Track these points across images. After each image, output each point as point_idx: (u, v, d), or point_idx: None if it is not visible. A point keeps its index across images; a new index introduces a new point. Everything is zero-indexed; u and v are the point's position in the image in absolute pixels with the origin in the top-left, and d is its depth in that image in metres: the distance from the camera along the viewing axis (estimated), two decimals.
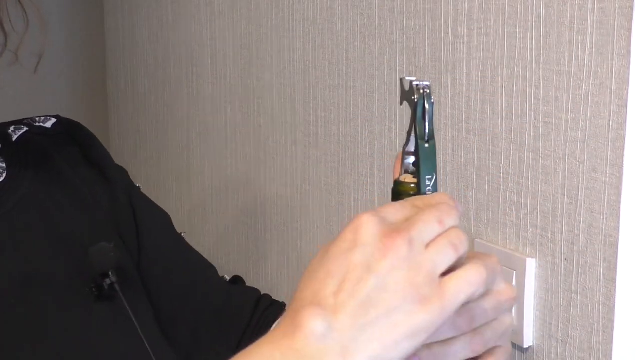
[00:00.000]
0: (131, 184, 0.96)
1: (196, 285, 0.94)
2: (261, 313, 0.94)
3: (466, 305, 0.59)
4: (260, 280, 1.34)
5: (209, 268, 0.96)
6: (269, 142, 1.29)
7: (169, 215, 0.99)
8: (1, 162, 0.84)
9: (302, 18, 1.16)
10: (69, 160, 0.89)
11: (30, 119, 0.92)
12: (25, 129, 0.90)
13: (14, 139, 0.88)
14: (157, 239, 0.93)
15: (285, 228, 1.26)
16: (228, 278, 0.97)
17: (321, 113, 1.14)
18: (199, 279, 0.94)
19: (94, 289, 0.79)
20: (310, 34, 1.14)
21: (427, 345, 0.59)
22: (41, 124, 0.92)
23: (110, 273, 0.79)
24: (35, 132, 0.90)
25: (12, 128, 0.90)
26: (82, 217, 0.86)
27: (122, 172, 0.96)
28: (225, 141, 1.43)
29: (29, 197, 0.84)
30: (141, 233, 0.90)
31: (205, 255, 1.44)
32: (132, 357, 0.78)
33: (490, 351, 0.63)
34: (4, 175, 0.83)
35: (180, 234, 0.99)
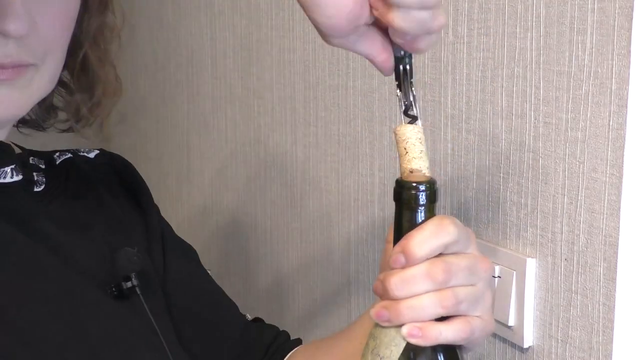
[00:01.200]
0: (163, 219, 0.99)
1: (218, 317, 0.96)
2: (276, 348, 0.95)
3: (441, 255, 0.61)
4: (260, 281, 1.34)
5: (232, 305, 0.98)
6: (269, 142, 1.29)
7: (196, 252, 1.02)
8: (42, 176, 0.87)
9: (302, 18, 1.16)
10: (108, 187, 0.93)
11: (75, 149, 0.95)
12: (70, 155, 0.93)
13: (57, 162, 0.91)
14: (182, 270, 0.95)
15: (285, 228, 1.26)
16: (250, 318, 0.99)
17: (321, 113, 1.14)
18: (221, 313, 0.96)
19: (113, 289, 0.82)
20: (310, 34, 1.14)
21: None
22: (85, 154, 0.96)
23: (132, 276, 0.82)
24: (79, 160, 0.93)
25: (57, 154, 0.93)
26: (115, 234, 0.88)
27: (157, 207, 0.99)
28: (225, 141, 1.43)
29: (67, 206, 0.87)
30: (168, 263, 0.93)
31: (205, 255, 1.44)
32: (150, 356, 0.80)
33: (465, 317, 0.63)
34: (42, 187, 0.86)
35: (207, 270, 1.02)
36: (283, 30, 1.21)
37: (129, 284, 0.82)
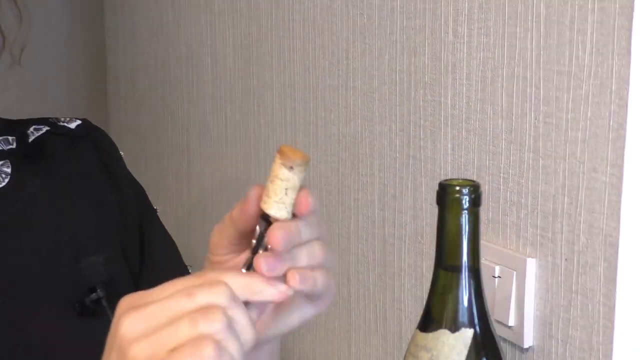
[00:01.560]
0: (147, 205, 0.94)
1: None
2: None
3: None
4: None
5: None
6: (269, 142, 1.29)
7: (178, 251, 0.97)
8: (7, 167, 0.83)
9: (302, 18, 1.16)
10: (85, 165, 0.89)
11: (56, 118, 0.91)
12: (46, 129, 0.89)
13: (30, 140, 0.87)
14: (159, 275, 0.92)
15: None
16: None
17: (321, 113, 1.14)
18: None
19: (76, 305, 0.78)
20: (310, 34, 1.14)
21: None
22: (65, 124, 0.91)
23: (98, 288, 0.78)
24: (56, 132, 0.89)
25: (32, 128, 0.89)
26: (85, 226, 0.85)
27: (138, 191, 0.94)
28: (225, 141, 1.43)
29: (31, 205, 0.83)
30: (146, 266, 0.89)
31: (205, 256, 1.43)
32: None
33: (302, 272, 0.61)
34: (6, 181, 0.82)
35: (188, 266, 0.99)
36: (283, 30, 1.21)
37: (93, 296, 0.77)
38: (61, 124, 0.90)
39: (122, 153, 0.96)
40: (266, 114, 1.29)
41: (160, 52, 1.67)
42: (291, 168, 0.60)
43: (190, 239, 1.57)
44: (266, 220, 0.62)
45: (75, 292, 0.78)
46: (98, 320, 0.77)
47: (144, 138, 1.76)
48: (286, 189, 0.60)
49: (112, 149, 0.93)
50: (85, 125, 0.93)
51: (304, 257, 0.62)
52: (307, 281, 0.61)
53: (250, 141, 1.34)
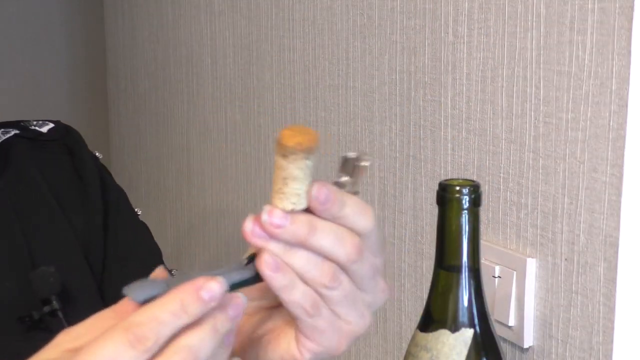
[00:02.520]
0: (127, 210, 0.90)
1: None
2: None
3: None
4: None
5: None
6: (269, 142, 1.29)
7: (149, 232, 0.92)
8: None
9: (302, 18, 1.16)
10: (55, 171, 0.85)
11: (27, 121, 0.88)
12: (14, 132, 0.86)
13: None
14: (126, 254, 0.87)
15: None
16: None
17: (321, 113, 1.14)
18: None
19: (27, 319, 0.74)
20: (310, 34, 1.14)
21: None
22: (36, 128, 0.88)
23: (52, 299, 0.74)
24: (25, 136, 0.86)
25: (0, 131, 0.86)
26: (42, 235, 0.81)
27: (117, 194, 0.90)
28: (225, 141, 1.43)
29: None
30: (108, 269, 0.84)
31: (205, 255, 1.44)
32: None
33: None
34: None
35: (171, 271, 0.96)
36: (283, 30, 1.21)
37: (46, 309, 0.73)
38: (32, 127, 0.87)
39: (98, 154, 0.94)
40: (266, 114, 1.29)
41: (160, 52, 1.67)
42: (284, 156, 0.54)
43: (191, 239, 1.57)
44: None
45: (29, 305, 0.74)
46: (52, 335, 0.74)
47: (144, 138, 1.76)
48: (284, 178, 0.55)
49: (85, 152, 0.89)
50: (58, 128, 0.89)
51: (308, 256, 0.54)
52: (282, 274, 0.53)
53: (250, 141, 1.34)
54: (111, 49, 1.95)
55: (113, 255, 0.86)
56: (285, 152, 0.54)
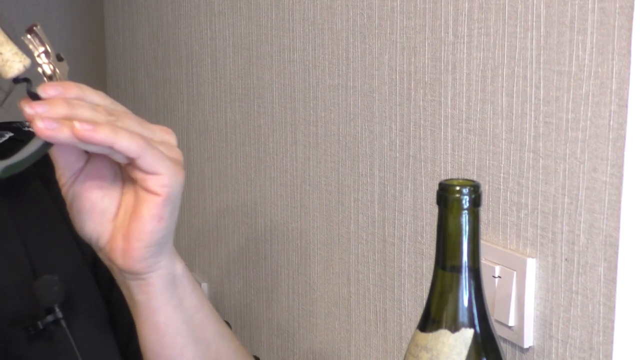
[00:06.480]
0: None
1: None
2: None
3: None
4: (260, 280, 1.34)
5: None
6: (269, 142, 1.29)
7: None
8: None
9: (302, 18, 1.16)
10: (50, 173, 0.83)
11: (20, 122, 0.88)
12: (9, 135, 0.86)
13: None
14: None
15: (285, 228, 1.26)
16: None
17: (321, 113, 1.14)
18: None
19: (30, 329, 0.74)
20: (310, 34, 1.14)
21: None
22: (30, 129, 0.88)
23: (56, 308, 0.74)
24: (20, 138, 0.85)
25: None
26: (42, 241, 0.81)
27: None
28: (225, 141, 1.43)
29: None
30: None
31: (205, 256, 1.44)
32: None
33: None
34: None
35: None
36: (283, 30, 1.21)
37: (49, 318, 0.73)
38: (26, 129, 0.87)
39: None
40: (266, 114, 1.29)
41: (160, 52, 1.67)
42: None
43: (191, 239, 1.57)
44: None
45: (31, 314, 0.74)
46: (55, 344, 0.74)
47: None
48: None
49: None
50: None
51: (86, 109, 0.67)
52: (87, 131, 0.65)
53: (250, 141, 1.34)
54: (111, 49, 1.95)
55: None
56: None
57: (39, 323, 0.74)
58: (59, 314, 0.74)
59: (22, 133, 0.87)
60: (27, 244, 0.80)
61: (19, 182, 0.83)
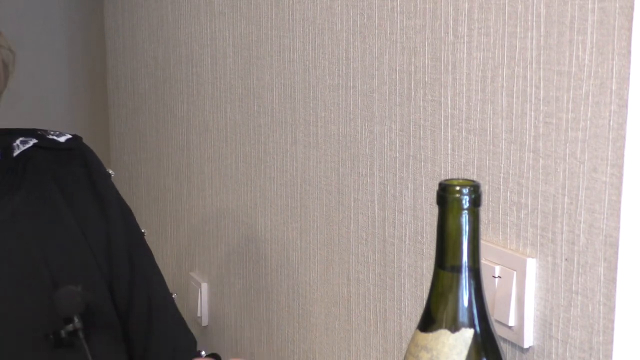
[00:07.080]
0: (133, 227, 0.92)
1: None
2: None
3: None
4: (260, 280, 1.34)
5: (188, 337, 0.93)
6: (269, 142, 1.29)
7: (163, 278, 0.95)
8: None
9: (302, 18, 1.16)
10: (72, 182, 0.86)
11: (44, 131, 0.89)
12: (33, 142, 0.87)
13: (15, 154, 0.84)
14: (148, 308, 0.89)
15: (285, 228, 1.26)
16: (204, 354, 0.94)
17: (321, 113, 1.14)
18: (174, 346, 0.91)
19: (51, 337, 0.75)
20: (310, 34, 1.14)
21: None
22: (54, 137, 0.88)
23: (75, 318, 0.75)
24: (43, 146, 0.86)
25: (18, 141, 0.86)
26: (64, 250, 0.82)
27: (126, 211, 0.91)
28: (225, 141, 1.43)
29: (10, 223, 0.80)
30: (135, 295, 0.87)
31: (205, 256, 1.44)
32: None
33: None
34: None
35: (172, 294, 0.97)
36: (283, 30, 1.21)
37: (69, 327, 0.74)
38: (50, 137, 0.88)
39: (111, 172, 0.95)
40: (266, 114, 1.29)
41: (160, 52, 1.67)
42: None
43: (191, 239, 1.57)
44: None
45: (51, 322, 0.75)
46: (74, 354, 0.75)
47: (144, 138, 1.76)
48: None
49: (100, 166, 0.90)
50: (76, 139, 0.90)
51: None
52: None
53: (250, 141, 1.34)
54: (111, 49, 1.95)
55: (136, 295, 0.88)
56: None
57: (62, 332, 0.74)
58: (78, 324, 0.74)
59: (45, 140, 0.87)
60: (45, 250, 0.80)
61: (30, 180, 0.84)
